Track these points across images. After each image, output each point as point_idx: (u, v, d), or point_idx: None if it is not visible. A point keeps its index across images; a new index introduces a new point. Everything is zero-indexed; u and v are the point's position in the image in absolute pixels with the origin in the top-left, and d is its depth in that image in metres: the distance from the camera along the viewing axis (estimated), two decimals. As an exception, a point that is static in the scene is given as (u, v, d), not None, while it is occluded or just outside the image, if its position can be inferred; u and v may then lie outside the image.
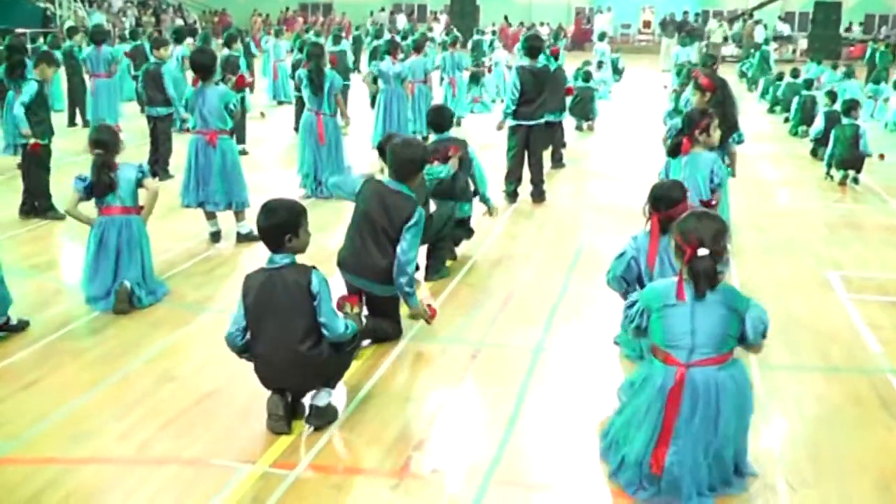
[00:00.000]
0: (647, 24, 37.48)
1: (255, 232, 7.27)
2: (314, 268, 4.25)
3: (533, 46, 8.93)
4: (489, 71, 15.57)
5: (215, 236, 7.49)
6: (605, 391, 4.62)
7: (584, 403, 4.61)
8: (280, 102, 17.19)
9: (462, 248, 7.34)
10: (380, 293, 5.32)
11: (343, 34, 20.55)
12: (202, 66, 7.21)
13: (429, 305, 5.52)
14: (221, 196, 7.31)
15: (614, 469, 3.87)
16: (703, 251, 3.58)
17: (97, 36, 12.32)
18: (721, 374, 3.63)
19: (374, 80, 12.04)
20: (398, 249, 5.15)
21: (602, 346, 5.28)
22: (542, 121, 8.98)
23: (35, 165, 7.94)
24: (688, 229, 3.67)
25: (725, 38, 32.17)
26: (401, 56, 12.24)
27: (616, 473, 3.85)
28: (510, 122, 8.96)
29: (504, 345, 5.43)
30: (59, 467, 3.90)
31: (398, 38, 15.62)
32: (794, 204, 9.74)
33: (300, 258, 4.31)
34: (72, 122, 13.76)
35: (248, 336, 4.24)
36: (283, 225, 4.20)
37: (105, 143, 5.89)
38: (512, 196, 9.14)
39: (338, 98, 9.07)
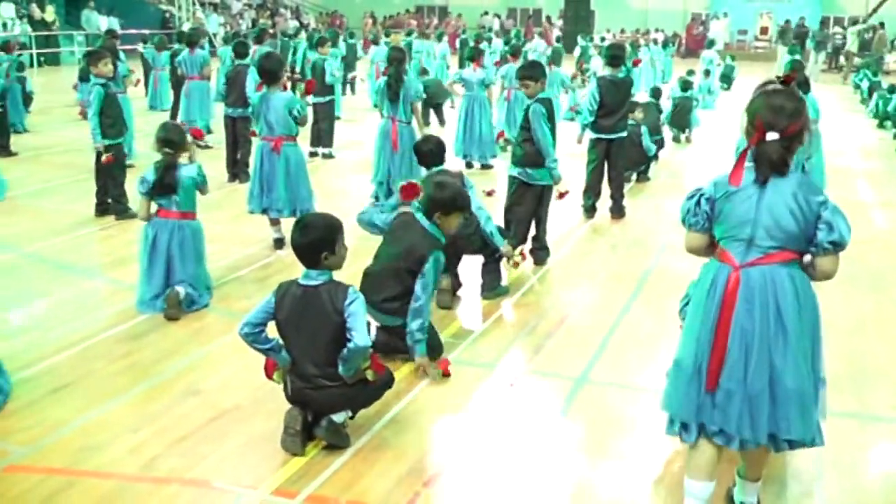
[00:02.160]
0: (764, 31, 36.09)
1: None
2: (351, 286, 4.09)
3: (614, 56, 8.56)
4: (576, 77, 15.25)
5: (278, 243, 7.44)
6: (646, 435, 4.31)
7: (620, 448, 4.29)
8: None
9: (528, 265, 7.09)
10: (389, 323, 5.09)
11: (440, 41, 20.57)
12: (268, 72, 7.14)
13: (443, 360, 5.11)
14: (285, 203, 7.24)
15: (668, 394, 3.45)
16: (772, 135, 3.14)
17: (191, 39, 12.56)
18: (780, 269, 3.20)
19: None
20: (414, 293, 4.93)
21: (652, 382, 4.92)
22: (624, 133, 8.62)
23: (108, 166, 8.07)
24: (758, 109, 3.20)
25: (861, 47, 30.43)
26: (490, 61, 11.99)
27: (670, 399, 3.43)
28: (591, 135, 8.63)
29: (547, 373, 5.15)
30: (63, 479, 3.85)
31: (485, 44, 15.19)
32: (891, 230, 8.96)
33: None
34: (172, 122, 14.09)
35: (263, 334, 4.10)
36: (318, 242, 4.04)
37: (173, 142, 5.89)
38: (590, 211, 8.81)
39: (414, 106, 8.91)
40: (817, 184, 4.59)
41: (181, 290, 5.83)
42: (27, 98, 13.17)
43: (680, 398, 3.37)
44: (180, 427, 4.34)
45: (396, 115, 8.85)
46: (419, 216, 5.15)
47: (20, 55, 13.88)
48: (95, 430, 4.31)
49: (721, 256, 3.30)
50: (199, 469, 3.97)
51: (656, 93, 12.12)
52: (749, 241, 3.21)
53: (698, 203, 3.31)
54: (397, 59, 8.87)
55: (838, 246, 3.19)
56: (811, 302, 3.30)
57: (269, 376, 4.23)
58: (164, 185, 5.84)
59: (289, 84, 8.35)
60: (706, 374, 3.28)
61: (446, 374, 4.99)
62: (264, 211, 7.38)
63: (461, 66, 23.28)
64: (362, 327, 3.96)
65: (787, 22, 33.32)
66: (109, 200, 8.24)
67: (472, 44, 23.23)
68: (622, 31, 34.81)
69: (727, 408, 3.25)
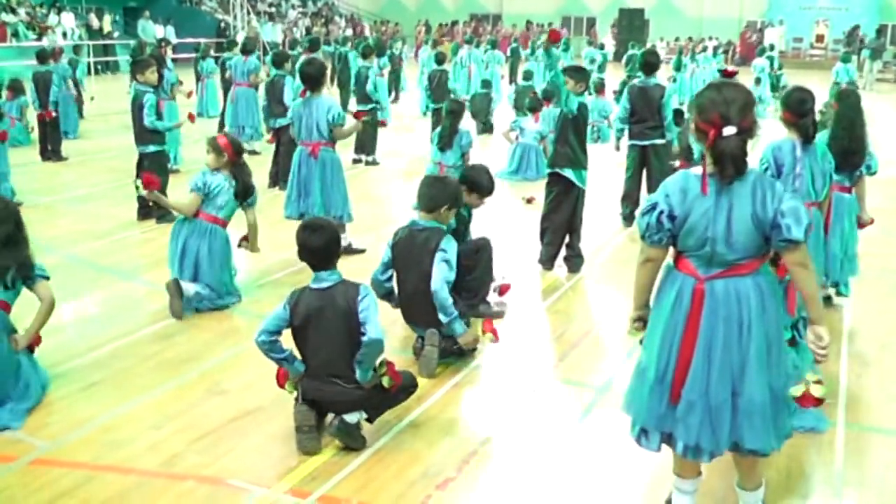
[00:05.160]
0: (820, 39, 35.47)
1: (352, 245, 7.42)
2: (362, 284, 4.22)
3: (648, 63, 8.51)
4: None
5: None
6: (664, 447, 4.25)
7: (637, 458, 4.22)
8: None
9: (560, 272, 7.08)
10: (448, 333, 5.18)
11: (494, 49, 20.60)
12: (310, 77, 7.23)
13: (493, 331, 5.20)
14: (320, 208, 7.28)
15: (628, 400, 3.42)
16: (729, 130, 3.00)
17: (245, 47, 12.77)
18: (745, 281, 3.12)
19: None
20: (432, 282, 4.99)
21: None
22: (659, 140, 8.51)
23: (150, 171, 8.24)
24: (708, 104, 3.06)
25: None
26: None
27: (631, 401, 3.39)
28: (628, 142, 8.60)
29: (570, 381, 5.12)
30: (85, 473, 3.95)
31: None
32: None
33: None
34: (221, 129, 14.31)
35: (278, 344, 4.22)
36: (333, 242, 4.22)
37: (242, 150, 6.18)
38: (627, 219, 8.73)
39: (466, 156, 8.28)
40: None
41: (190, 287, 5.93)
42: (79, 103, 13.47)
43: (642, 404, 3.34)
44: (202, 425, 4.42)
45: (444, 160, 8.25)
46: (417, 223, 5.25)
47: (70, 61, 14.26)
48: (120, 426, 4.41)
49: (682, 266, 3.23)
50: (217, 467, 4.03)
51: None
52: (710, 258, 3.14)
53: (659, 220, 3.15)
54: (454, 112, 8.35)
55: (793, 242, 3.08)
56: (774, 308, 3.22)
57: (280, 385, 4.34)
58: (250, 190, 6.22)
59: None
60: (670, 386, 3.25)
61: (489, 331, 5.14)
62: (301, 216, 7.43)
63: (512, 74, 23.39)
64: (375, 321, 4.06)
65: (857, 27, 32.63)
66: (150, 204, 8.39)
67: (526, 52, 23.43)
68: (676, 40, 34.51)
69: (688, 419, 3.21)
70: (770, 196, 3.07)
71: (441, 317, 5.03)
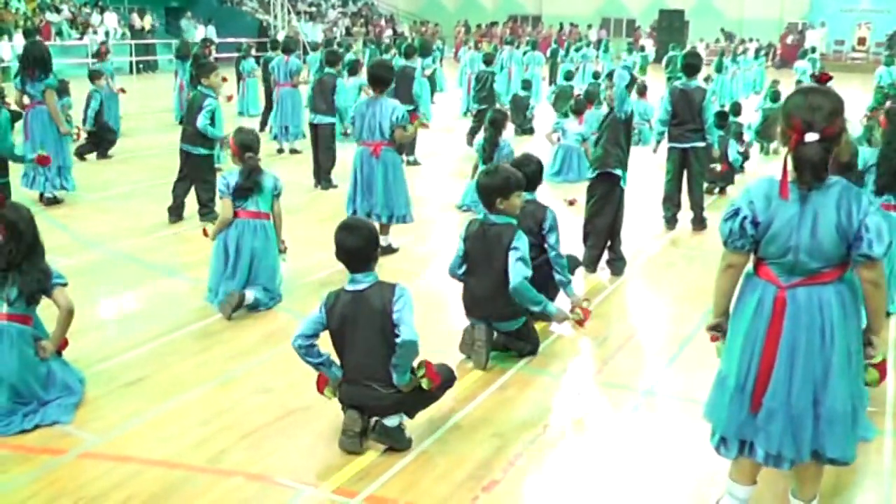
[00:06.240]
0: (861, 41, 34.95)
1: (392, 245, 7.42)
2: (398, 284, 4.17)
3: (690, 64, 8.42)
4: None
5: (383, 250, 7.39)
6: (710, 450, 4.20)
7: (682, 462, 4.20)
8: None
9: (602, 275, 7.04)
10: (507, 329, 5.28)
11: (534, 50, 20.56)
12: (380, 79, 7.26)
13: (583, 308, 5.59)
14: (383, 208, 7.30)
15: (709, 408, 3.43)
16: (811, 136, 2.98)
17: (287, 46, 12.85)
18: (827, 289, 3.09)
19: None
20: (511, 280, 5.02)
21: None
22: (699, 143, 8.41)
23: (198, 172, 8.32)
24: (794, 109, 3.04)
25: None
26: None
27: (712, 410, 3.40)
28: (667, 144, 8.53)
29: (615, 384, 5.09)
30: (133, 467, 3.99)
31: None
32: None
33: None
34: (262, 128, 14.41)
35: (315, 348, 4.20)
36: (373, 241, 4.19)
37: (254, 146, 6.10)
38: (670, 222, 8.67)
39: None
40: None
41: (250, 294, 5.96)
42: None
43: (722, 412, 3.33)
44: (249, 423, 4.44)
45: None
46: (482, 218, 5.25)
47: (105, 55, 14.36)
48: (167, 422, 4.45)
49: (763, 274, 3.21)
50: (264, 464, 4.05)
51: (736, 109, 11.82)
52: (793, 266, 3.12)
53: (742, 226, 3.14)
54: (495, 123, 8.52)
55: (871, 259, 3.05)
56: (855, 317, 3.19)
57: (320, 391, 4.32)
58: (246, 188, 6.02)
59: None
60: (751, 394, 3.23)
61: (580, 323, 5.62)
62: (367, 215, 7.33)
63: (552, 75, 23.32)
64: (410, 322, 4.01)
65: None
66: (199, 206, 8.43)
67: (562, 53, 23.38)
68: (716, 41, 34.20)
69: (769, 427, 3.19)
70: (856, 208, 3.04)
71: (534, 308, 5.18)
